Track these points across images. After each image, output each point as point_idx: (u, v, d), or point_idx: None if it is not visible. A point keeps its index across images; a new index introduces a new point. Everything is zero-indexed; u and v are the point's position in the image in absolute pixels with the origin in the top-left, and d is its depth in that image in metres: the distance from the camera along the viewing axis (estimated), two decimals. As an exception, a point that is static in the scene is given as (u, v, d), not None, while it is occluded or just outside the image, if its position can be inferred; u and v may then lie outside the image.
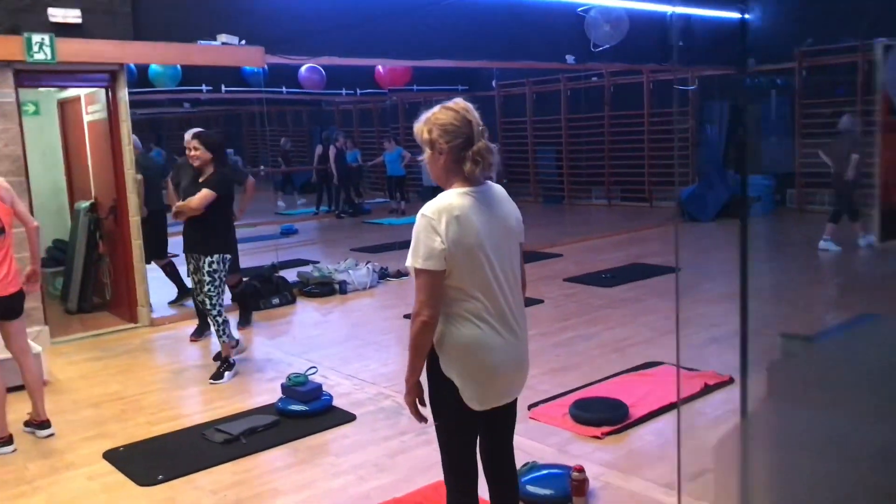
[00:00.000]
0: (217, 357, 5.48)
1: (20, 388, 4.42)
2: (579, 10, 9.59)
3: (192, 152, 5.19)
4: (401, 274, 8.23)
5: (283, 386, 4.57)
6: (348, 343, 6.02)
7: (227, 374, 5.22)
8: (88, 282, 7.31)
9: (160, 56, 6.81)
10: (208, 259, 5.15)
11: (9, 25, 5.86)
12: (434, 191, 2.49)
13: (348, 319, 6.86)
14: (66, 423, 4.50)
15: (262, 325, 6.73)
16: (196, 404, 4.87)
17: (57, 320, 6.77)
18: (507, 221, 2.47)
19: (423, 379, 2.47)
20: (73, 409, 4.79)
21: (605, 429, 4.02)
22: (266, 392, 4.89)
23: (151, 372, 5.38)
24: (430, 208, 2.36)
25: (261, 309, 7.14)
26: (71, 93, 7.41)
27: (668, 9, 10.27)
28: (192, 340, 6.20)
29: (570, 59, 11.08)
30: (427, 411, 2.50)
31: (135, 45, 6.55)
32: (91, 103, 7.07)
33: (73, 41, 6.14)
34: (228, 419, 4.41)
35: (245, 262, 6.92)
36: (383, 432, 4.19)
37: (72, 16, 6.20)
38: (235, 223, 6.08)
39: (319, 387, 4.54)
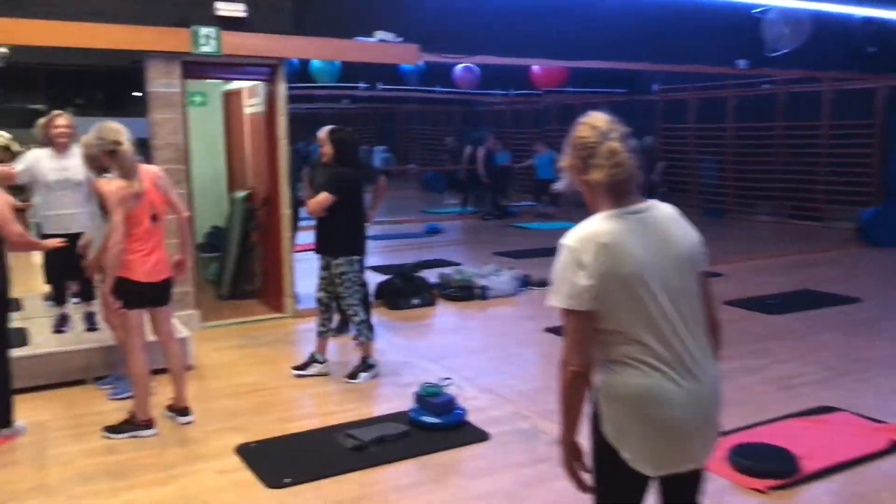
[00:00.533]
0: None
1: (164, 371, 4.50)
2: (755, 11, 8.84)
3: (322, 148, 5.14)
4: (545, 283, 7.88)
5: (416, 395, 4.38)
6: (486, 353, 5.77)
7: (363, 374, 5.11)
8: (241, 269, 7.51)
9: (318, 51, 6.86)
10: (335, 261, 5.06)
11: (178, 19, 6.05)
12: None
13: (487, 327, 6.61)
14: (204, 412, 4.53)
15: (399, 325, 6.62)
16: (330, 403, 4.78)
17: (208, 305, 6.98)
18: (677, 247, 2.06)
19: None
20: (212, 397, 4.84)
21: (771, 482, 3.52)
22: (399, 398, 4.73)
23: (290, 365, 5.36)
24: (572, 237, 2.02)
25: (400, 308, 7.04)
26: (235, 85, 7.64)
27: (856, 11, 9.29)
28: (332, 336, 6.16)
29: (741, 63, 10.30)
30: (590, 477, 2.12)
31: (294, 40, 6.60)
32: (252, 96, 7.23)
33: (238, 34, 6.26)
34: (360, 424, 4.27)
35: (388, 259, 6.87)
36: (518, 457, 3.89)
37: (238, 10, 6.33)
38: (369, 223, 5.99)
39: (453, 399, 4.31)
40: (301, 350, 5.74)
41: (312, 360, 5.24)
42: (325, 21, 7.06)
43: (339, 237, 5.04)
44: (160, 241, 4.16)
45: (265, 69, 6.66)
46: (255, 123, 7.22)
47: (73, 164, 5.21)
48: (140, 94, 6.34)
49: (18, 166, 5.24)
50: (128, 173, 3.95)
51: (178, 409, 4.41)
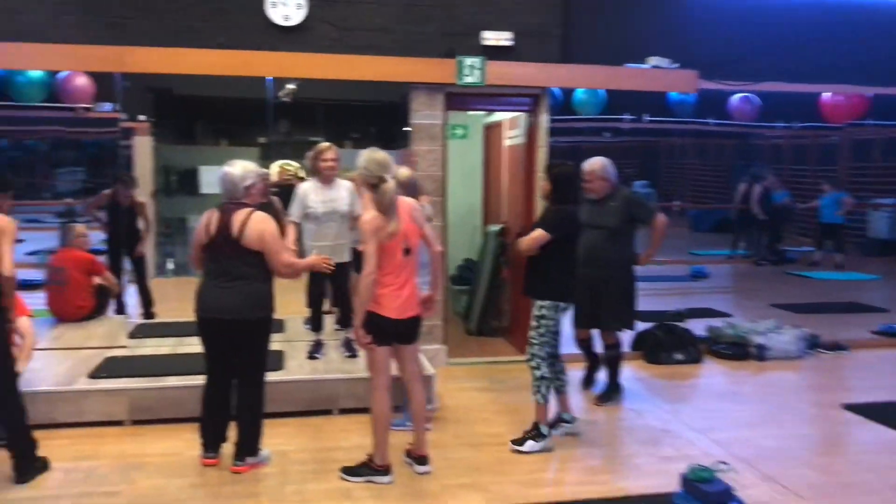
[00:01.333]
0: (604, 397, 4.98)
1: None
2: None
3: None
4: (838, 346, 6.69)
5: (683, 477, 3.69)
6: (766, 429, 4.85)
7: (530, 442, 4.49)
8: (489, 305, 7.25)
9: (584, 80, 6.43)
10: (538, 303, 4.53)
11: (444, 50, 5.96)
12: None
13: (766, 396, 5.64)
14: (443, 461, 4.22)
15: (659, 383, 5.89)
16: (578, 470, 4.24)
17: (456, 339, 6.78)
18: None
19: None
20: (452, 445, 4.53)
21: None
22: (660, 474, 4.06)
23: (530, 417, 4.92)
24: None
25: (660, 363, 6.31)
26: (496, 117, 7.47)
27: None
28: (581, 387, 5.63)
29: None
30: None
31: (560, 69, 6.24)
32: (512, 127, 6.99)
33: (501, 64, 6.04)
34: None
35: (648, 304, 6.18)
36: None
37: (504, 38, 6.10)
38: (641, 267, 5.36)
39: (730, 490, 3.56)
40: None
41: (559, 419, 4.74)
42: (592, 48, 6.61)
43: (550, 279, 4.51)
44: (412, 275, 3.93)
45: (527, 99, 6.38)
46: (514, 156, 6.95)
47: (339, 196, 5.25)
48: (408, 129, 6.35)
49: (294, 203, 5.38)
50: (387, 210, 3.78)
51: (417, 457, 4.13)
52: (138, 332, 6.10)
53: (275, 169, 8.01)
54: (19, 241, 8.92)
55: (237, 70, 5.61)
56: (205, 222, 3.98)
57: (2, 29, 5.48)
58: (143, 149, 7.40)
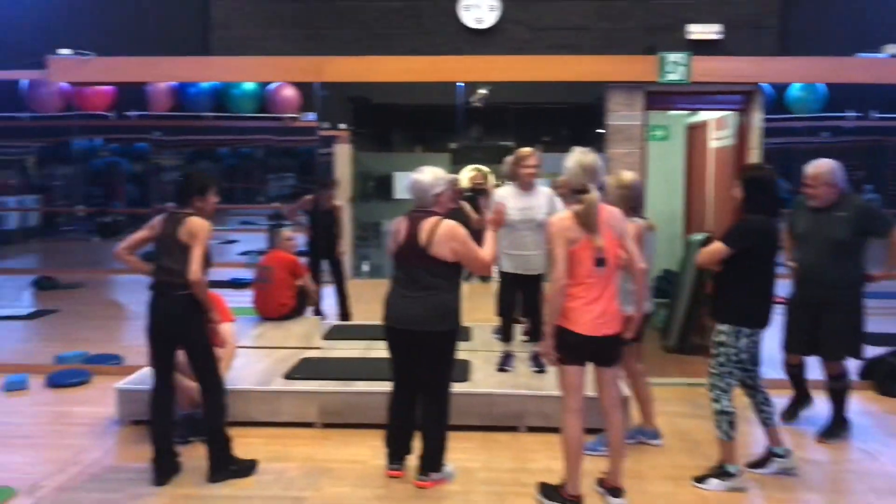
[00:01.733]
0: (828, 434, 4.42)
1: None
2: None
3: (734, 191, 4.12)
4: None
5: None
6: None
7: (714, 481, 3.96)
8: (691, 321, 6.70)
9: (803, 73, 5.73)
10: (717, 327, 3.97)
11: (645, 45, 5.56)
12: None
13: None
14: (639, 495, 3.86)
15: (894, 419, 5.11)
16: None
17: (653, 357, 6.31)
18: None
19: None
20: (650, 476, 4.14)
21: None
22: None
23: (744, 453, 4.40)
24: None
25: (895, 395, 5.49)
26: (700, 117, 6.91)
27: None
28: (782, 419, 4.97)
29: None
30: None
31: (775, 62, 5.62)
32: (719, 128, 6.42)
33: (708, 59, 5.54)
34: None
35: (880, 326, 5.36)
36: None
37: (712, 31, 5.60)
38: (877, 280, 4.64)
39: None
40: (759, 432, 4.72)
41: (769, 454, 4.20)
42: (814, 38, 5.91)
43: (733, 300, 3.96)
44: (606, 289, 3.61)
45: (737, 97, 5.81)
46: (721, 159, 6.38)
47: (537, 203, 5.04)
48: (601, 131, 6.02)
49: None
50: (586, 222, 3.52)
51: (611, 488, 3.80)
52: (332, 334, 6.26)
53: (465, 174, 7.97)
54: (231, 241, 9.61)
55: (430, 75, 5.57)
56: (394, 230, 3.92)
57: (218, 44, 5.82)
58: (342, 156, 7.66)
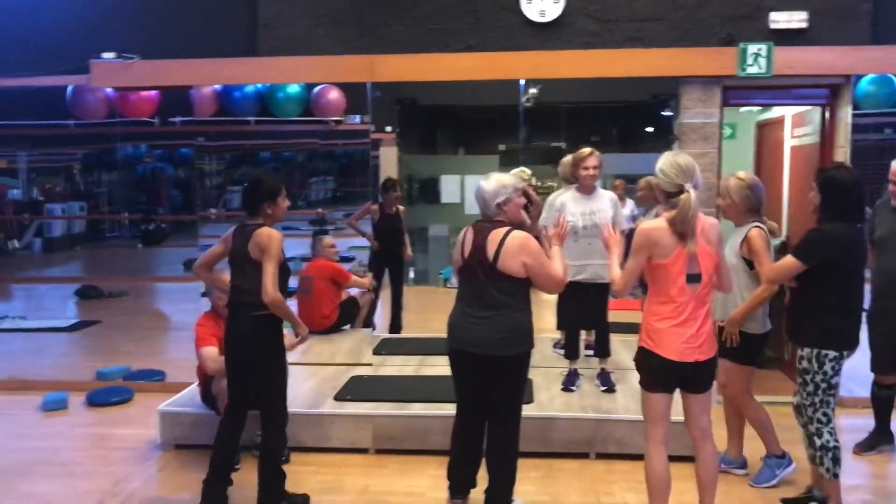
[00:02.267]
0: None
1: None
2: None
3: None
4: None
5: None
6: None
7: None
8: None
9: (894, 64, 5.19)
10: (799, 352, 3.51)
11: (724, 36, 5.11)
12: None
13: None
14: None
15: None
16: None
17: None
18: None
19: None
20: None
21: None
22: None
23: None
24: None
25: None
26: (773, 113, 6.41)
27: None
28: (855, 453, 4.49)
29: None
30: None
31: (870, 52, 5.11)
32: (799, 125, 5.92)
33: (791, 50, 5.08)
34: None
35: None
36: None
37: (797, 20, 5.13)
38: None
39: None
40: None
41: (809, 497, 3.75)
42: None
43: (810, 318, 3.50)
44: (700, 309, 3.18)
45: (823, 91, 5.32)
46: (800, 158, 5.88)
47: (601, 208, 4.65)
48: (651, 129, 5.64)
49: (544, 213, 4.90)
50: (681, 226, 3.10)
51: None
52: (383, 348, 5.91)
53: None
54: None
55: (490, 73, 5.20)
56: (459, 242, 3.54)
57: (265, 45, 5.53)
58: (388, 159, 7.35)
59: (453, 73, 5.22)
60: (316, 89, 6.58)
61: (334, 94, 6.68)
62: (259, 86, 6.06)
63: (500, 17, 5.29)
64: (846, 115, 5.22)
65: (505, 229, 3.43)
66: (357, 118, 7.09)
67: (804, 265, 3.46)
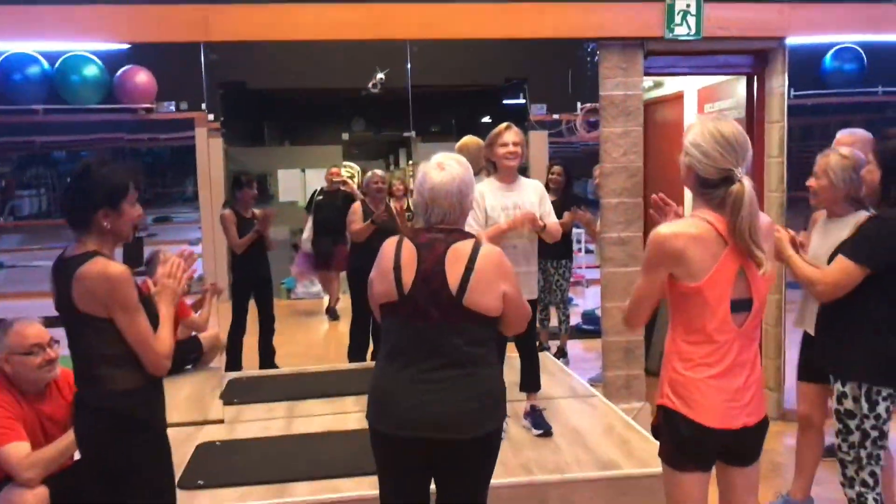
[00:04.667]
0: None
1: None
2: None
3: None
4: None
5: None
6: None
7: None
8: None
9: (840, 24, 4.55)
10: (840, 387, 2.74)
11: (650, -12, 4.24)
12: None
13: None
14: None
15: None
16: None
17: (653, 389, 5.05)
18: None
19: None
20: None
21: None
22: None
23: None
24: None
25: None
26: (665, 90, 5.70)
27: None
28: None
29: None
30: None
31: (805, 10, 4.43)
32: (711, 99, 5.22)
33: (722, 6, 4.31)
34: None
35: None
36: None
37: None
38: None
39: None
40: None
41: None
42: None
43: (856, 343, 2.72)
44: (747, 350, 2.19)
45: (748, 59, 4.61)
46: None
47: (525, 200, 3.59)
48: (490, 120, 4.95)
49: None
50: (749, 231, 2.08)
51: None
52: (235, 395, 4.50)
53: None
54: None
55: (366, 31, 4.04)
56: (386, 262, 2.32)
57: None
58: (211, 152, 5.95)
59: (317, 31, 3.96)
60: (120, 71, 5.10)
61: (143, 77, 5.27)
62: (46, 66, 4.56)
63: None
64: (780, 84, 4.52)
65: (470, 242, 2.26)
66: (172, 105, 5.78)
67: (866, 269, 2.58)
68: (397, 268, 2.26)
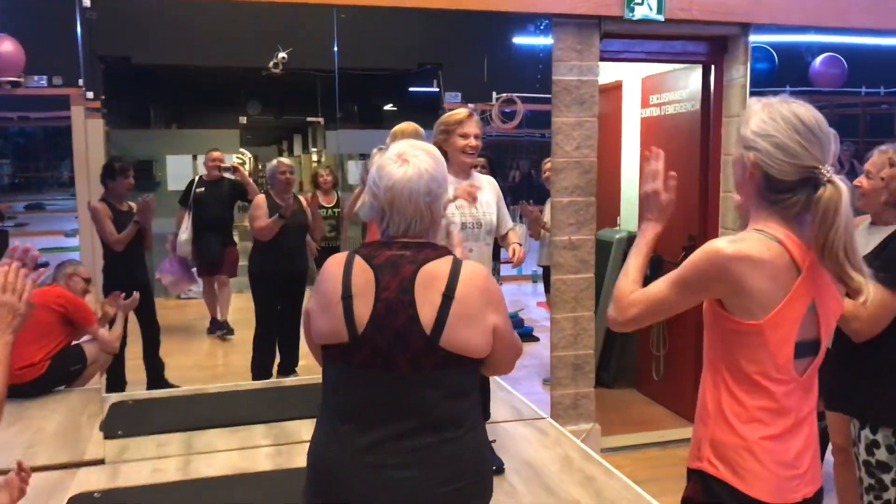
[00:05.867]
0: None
1: None
2: None
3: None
4: None
5: None
6: None
7: None
8: (626, 348, 5.12)
9: (804, 12, 4.19)
10: (867, 434, 2.40)
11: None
12: None
13: None
14: None
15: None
16: None
17: (607, 404, 4.64)
18: None
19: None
20: None
21: None
22: None
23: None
24: None
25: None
26: (612, 77, 5.29)
27: None
28: None
29: None
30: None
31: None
32: (656, 90, 4.83)
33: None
34: None
35: None
36: None
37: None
38: None
39: None
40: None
41: None
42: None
43: (887, 380, 2.37)
44: (807, 400, 1.71)
45: (703, 46, 4.22)
46: (665, 132, 4.79)
47: (485, 199, 3.03)
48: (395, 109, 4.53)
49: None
50: (836, 253, 1.55)
51: None
52: (118, 424, 3.73)
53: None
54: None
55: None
56: (330, 288, 1.70)
57: None
58: (89, 134, 5.14)
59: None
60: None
61: (8, 46, 4.47)
62: None
63: None
64: (741, 75, 4.15)
65: (448, 261, 1.67)
66: (43, 80, 4.98)
67: None
68: (347, 297, 1.64)
